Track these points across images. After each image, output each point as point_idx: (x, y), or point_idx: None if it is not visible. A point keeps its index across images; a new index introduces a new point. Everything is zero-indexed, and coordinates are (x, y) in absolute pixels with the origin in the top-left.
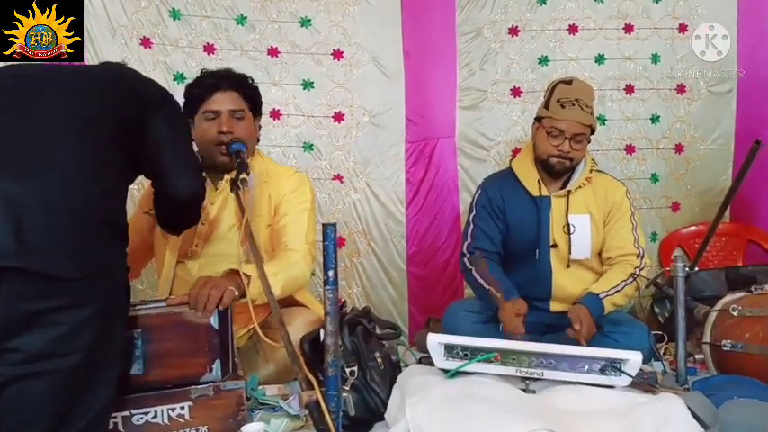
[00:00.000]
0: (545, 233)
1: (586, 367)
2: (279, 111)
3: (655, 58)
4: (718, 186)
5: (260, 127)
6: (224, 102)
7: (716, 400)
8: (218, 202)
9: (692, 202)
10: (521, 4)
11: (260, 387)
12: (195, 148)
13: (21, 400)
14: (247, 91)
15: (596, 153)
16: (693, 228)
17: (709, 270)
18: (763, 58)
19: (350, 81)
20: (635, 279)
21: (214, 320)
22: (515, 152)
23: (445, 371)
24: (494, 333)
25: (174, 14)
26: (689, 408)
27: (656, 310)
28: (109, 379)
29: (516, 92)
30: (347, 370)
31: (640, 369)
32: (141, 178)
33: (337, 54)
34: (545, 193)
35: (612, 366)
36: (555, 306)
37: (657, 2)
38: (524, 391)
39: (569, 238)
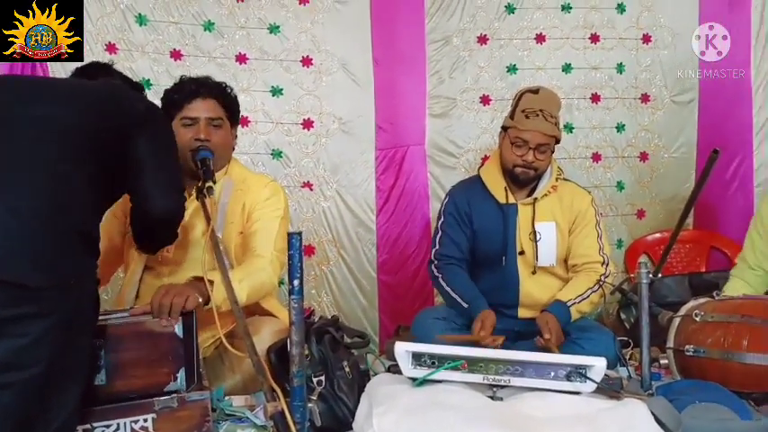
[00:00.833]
0: (512, 240)
1: (552, 374)
2: (247, 118)
3: (620, 68)
4: (681, 194)
5: (236, 136)
6: (203, 109)
7: (679, 404)
8: (191, 208)
9: (657, 209)
10: (489, 13)
11: (226, 398)
12: None
13: None
14: (227, 100)
15: (564, 161)
16: (658, 234)
17: (674, 276)
18: (722, 69)
19: (319, 88)
20: (600, 286)
21: (178, 329)
22: (485, 159)
23: (413, 379)
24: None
25: (141, 20)
26: (652, 413)
27: (623, 316)
28: (73, 391)
29: (485, 100)
30: (315, 380)
31: (606, 375)
32: None
33: (306, 61)
34: (512, 200)
35: (578, 373)
36: (523, 312)
37: (622, 13)
38: (491, 398)
39: (535, 246)
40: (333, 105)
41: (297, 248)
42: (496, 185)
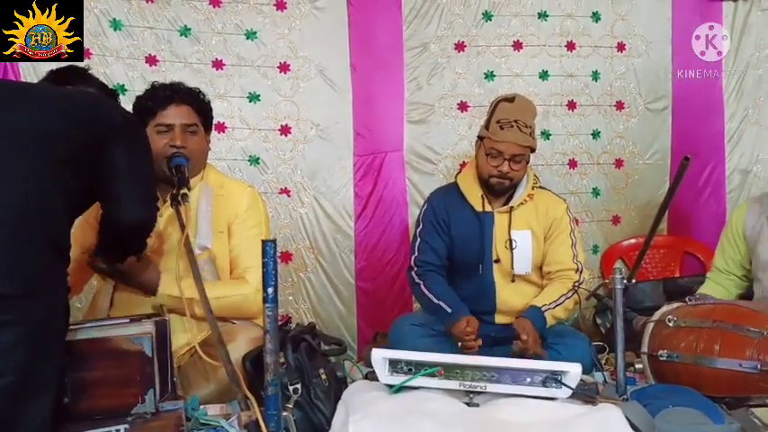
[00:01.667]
0: (488, 248)
1: (528, 380)
2: (224, 124)
3: (595, 76)
4: (656, 200)
5: (209, 141)
6: (177, 115)
7: (652, 409)
8: (166, 215)
9: (632, 215)
10: (467, 20)
11: (201, 407)
12: None
13: None
14: (201, 105)
15: (540, 167)
16: (633, 240)
17: (649, 281)
18: (695, 77)
19: (297, 94)
20: (575, 293)
21: (147, 347)
22: (463, 166)
23: (390, 386)
24: (440, 346)
25: (115, 25)
26: (627, 417)
27: (598, 321)
28: (46, 399)
29: (463, 106)
30: (291, 388)
31: (581, 380)
32: None
33: (284, 67)
34: (488, 208)
35: (553, 378)
36: (500, 319)
37: (597, 21)
38: (468, 404)
39: (512, 254)
40: (310, 111)
41: (271, 256)
42: (473, 193)
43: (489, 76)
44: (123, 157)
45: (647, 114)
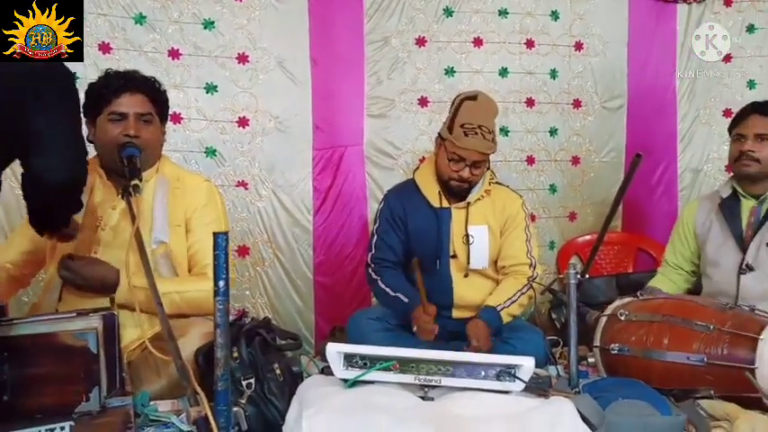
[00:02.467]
0: (445, 244)
1: (482, 374)
2: (180, 114)
3: (553, 74)
4: (611, 197)
5: (164, 132)
6: (132, 104)
7: (603, 401)
8: (119, 208)
9: (588, 211)
10: (428, 16)
11: (151, 402)
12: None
13: None
14: (156, 95)
15: (499, 163)
16: (588, 236)
17: (602, 277)
18: (650, 77)
19: (255, 86)
20: (529, 288)
21: (93, 343)
22: (422, 161)
23: (345, 380)
24: (397, 340)
25: None
26: (578, 410)
27: (554, 315)
28: None
29: (423, 101)
30: (244, 383)
31: (535, 374)
32: None
33: (242, 58)
34: (445, 204)
35: (507, 372)
36: (457, 313)
37: (556, 20)
38: (423, 398)
39: (468, 249)
40: (269, 104)
41: (222, 248)
42: (430, 190)
43: (450, 71)
44: (50, 107)
45: (603, 113)
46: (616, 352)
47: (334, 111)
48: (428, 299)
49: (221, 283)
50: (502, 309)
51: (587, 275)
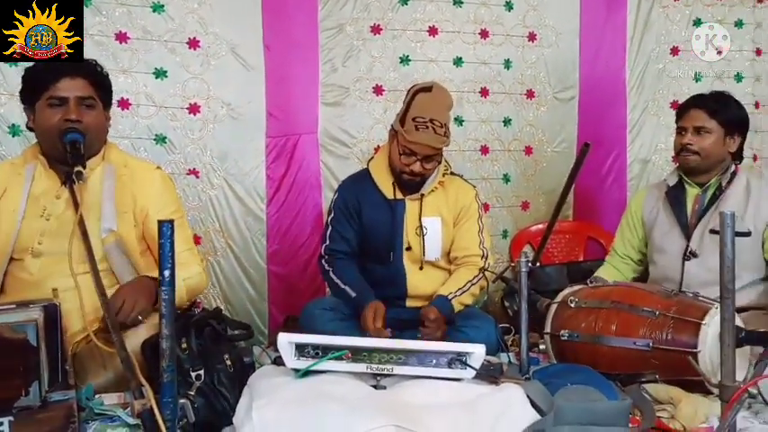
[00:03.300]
0: (399, 235)
1: (434, 362)
2: (128, 100)
3: (507, 64)
4: (562, 186)
5: (109, 118)
6: (72, 88)
7: (552, 387)
8: (64, 196)
9: (540, 201)
10: (383, 3)
11: (97, 396)
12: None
13: None
14: (97, 78)
15: (453, 153)
16: (541, 225)
17: (554, 265)
18: (601, 68)
19: (207, 72)
20: (481, 278)
21: (32, 336)
22: (377, 150)
23: (296, 371)
24: (350, 330)
25: None
26: (528, 396)
27: (506, 303)
28: None
29: (378, 90)
30: (193, 374)
31: (487, 361)
32: None
33: (193, 43)
34: (399, 196)
35: (458, 360)
36: (411, 303)
37: (509, 10)
38: (375, 387)
39: (422, 240)
40: (221, 90)
41: (168, 237)
42: (384, 181)
43: (405, 60)
44: None
45: (555, 103)
46: (566, 338)
47: (289, 98)
48: (382, 290)
49: (167, 273)
50: (453, 297)
51: (539, 263)
